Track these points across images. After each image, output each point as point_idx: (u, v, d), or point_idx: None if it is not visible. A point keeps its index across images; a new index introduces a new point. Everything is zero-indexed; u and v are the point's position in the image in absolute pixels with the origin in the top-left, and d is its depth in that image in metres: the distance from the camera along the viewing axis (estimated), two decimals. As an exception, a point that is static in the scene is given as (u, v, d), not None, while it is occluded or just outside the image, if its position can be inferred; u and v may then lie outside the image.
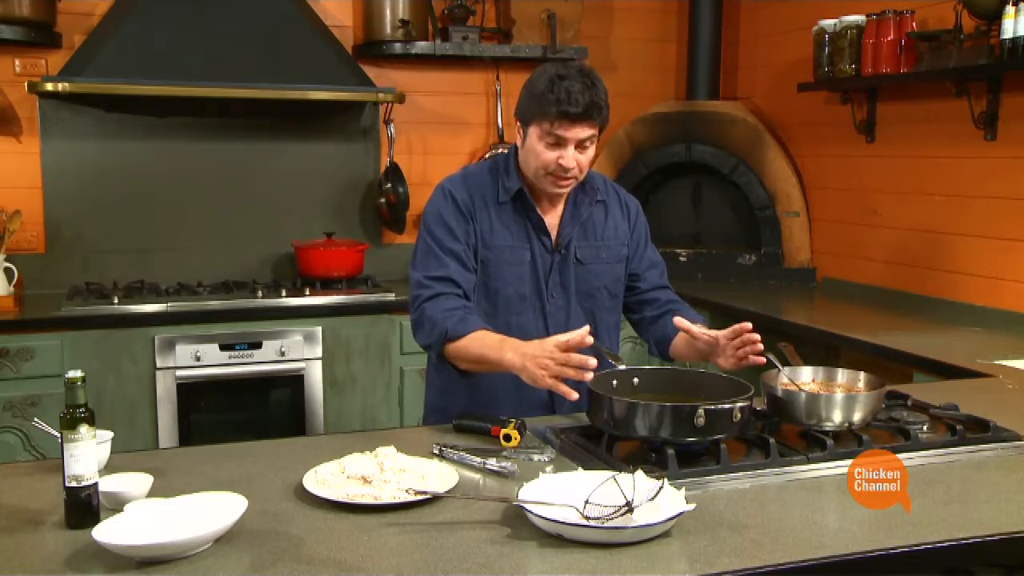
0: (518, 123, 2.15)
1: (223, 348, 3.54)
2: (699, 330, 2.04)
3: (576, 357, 1.80)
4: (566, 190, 2.16)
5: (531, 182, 2.16)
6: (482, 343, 2.00)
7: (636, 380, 1.98)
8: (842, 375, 2.05)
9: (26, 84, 3.47)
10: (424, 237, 2.16)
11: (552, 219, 2.20)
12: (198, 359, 3.51)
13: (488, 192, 2.18)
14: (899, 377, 2.73)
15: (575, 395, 1.83)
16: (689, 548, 1.41)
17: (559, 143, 2.05)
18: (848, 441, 1.84)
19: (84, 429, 1.47)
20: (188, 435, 3.52)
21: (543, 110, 2.03)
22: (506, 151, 2.25)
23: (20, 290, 3.62)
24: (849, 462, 1.63)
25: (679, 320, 2.06)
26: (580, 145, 2.06)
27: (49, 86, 3.39)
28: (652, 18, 4.70)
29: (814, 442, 1.83)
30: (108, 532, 1.37)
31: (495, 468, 1.74)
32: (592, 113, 2.03)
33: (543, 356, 1.83)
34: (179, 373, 3.50)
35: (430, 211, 2.18)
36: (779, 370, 1.99)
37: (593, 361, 1.80)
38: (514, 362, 1.90)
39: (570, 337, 1.81)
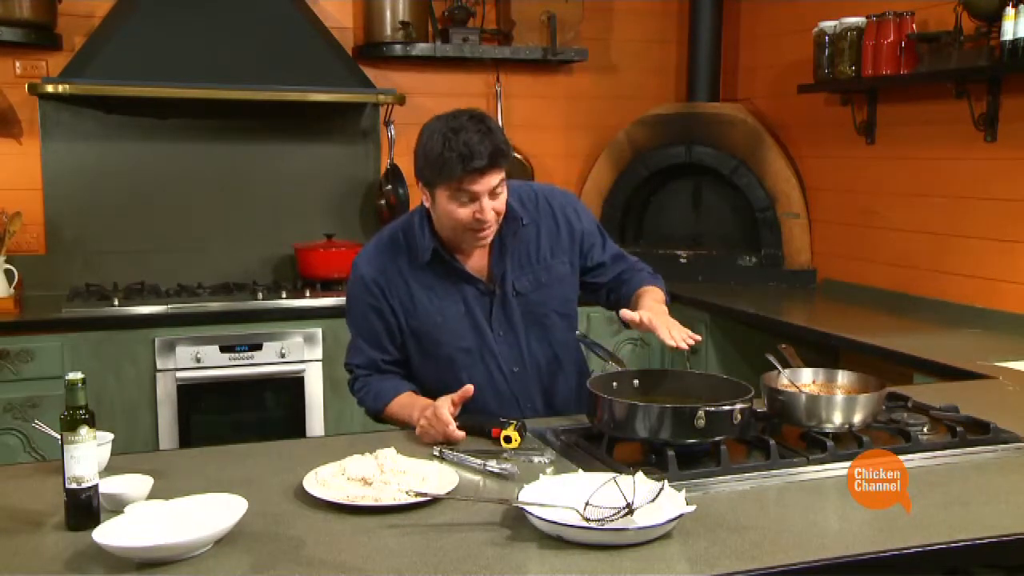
0: (420, 185, 2.03)
1: (223, 350, 3.54)
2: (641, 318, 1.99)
3: (441, 423, 1.91)
4: (488, 240, 2.06)
5: (449, 237, 2.08)
6: (400, 408, 2.12)
7: (636, 382, 1.98)
8: (842, 376, 2.04)
9: (26, 86, 3.47)
10: (347, 321, 2.24)
11: (480, 261, 2.13)
12: (198, 361, 3.50)
13: (403, 258, 2.11)
14: (899, 378, 2.73)
15: (460, 435, 1.92)
16: (689, 550, 1.41)
17: (472, 198, 1.96)
18: (848, 442, 1.84)
19: (84, 431, 1.47)
20: (188, 437, 3.51)
21: (446, 171, 1.93)
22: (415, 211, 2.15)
23: (20, 292, 3.62)
24: (849, 463, 1.63)
25: (625, 312, 2.03)
26: (492, 193, 1.98)
27: (49, 88, 3.39)
28: (652, 19, 4.70)
29: (814, 443, 1.83)
30: (108, 534, 1.37)
31: (495, 470, 1.74)
32: (498, 160, 1.95)
33: (423, 418, 1.96)
34: (179, 375, 3.49)
35: (347, 294, 2.23)
36: (779, 371, 1.99)
37: (460, 435, 1.91)
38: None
39: (453, 397, 1.95)
